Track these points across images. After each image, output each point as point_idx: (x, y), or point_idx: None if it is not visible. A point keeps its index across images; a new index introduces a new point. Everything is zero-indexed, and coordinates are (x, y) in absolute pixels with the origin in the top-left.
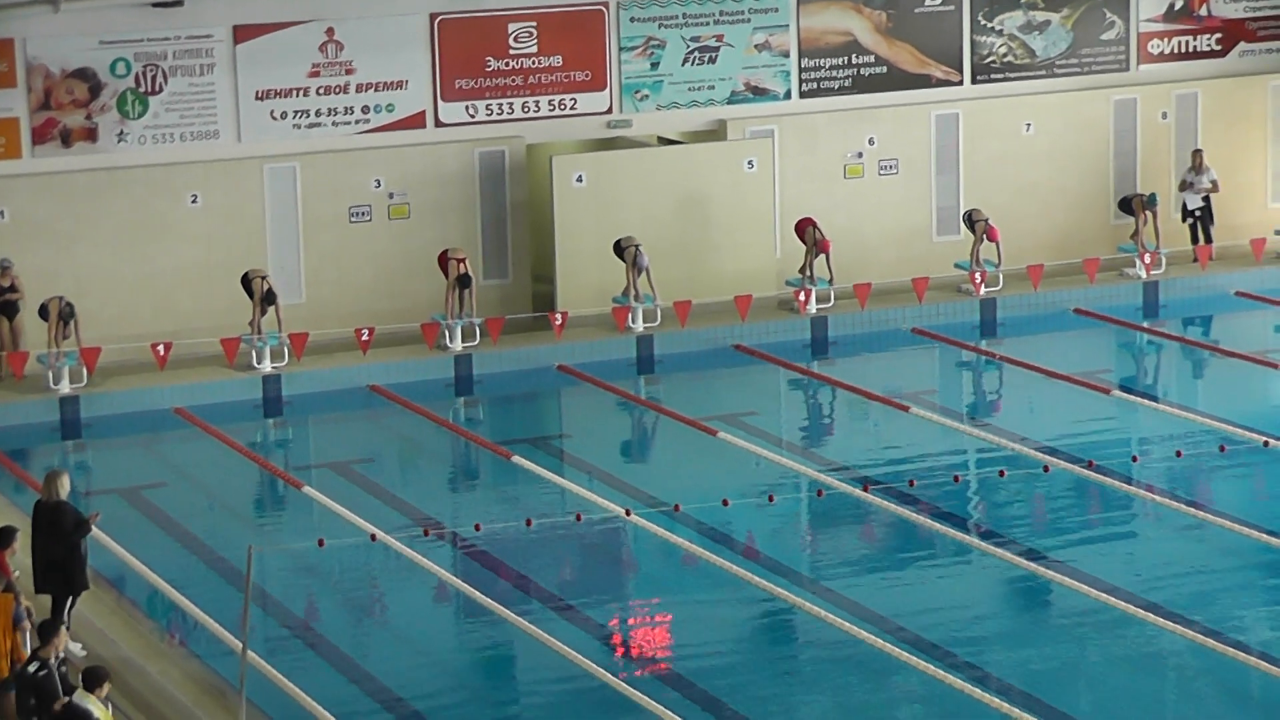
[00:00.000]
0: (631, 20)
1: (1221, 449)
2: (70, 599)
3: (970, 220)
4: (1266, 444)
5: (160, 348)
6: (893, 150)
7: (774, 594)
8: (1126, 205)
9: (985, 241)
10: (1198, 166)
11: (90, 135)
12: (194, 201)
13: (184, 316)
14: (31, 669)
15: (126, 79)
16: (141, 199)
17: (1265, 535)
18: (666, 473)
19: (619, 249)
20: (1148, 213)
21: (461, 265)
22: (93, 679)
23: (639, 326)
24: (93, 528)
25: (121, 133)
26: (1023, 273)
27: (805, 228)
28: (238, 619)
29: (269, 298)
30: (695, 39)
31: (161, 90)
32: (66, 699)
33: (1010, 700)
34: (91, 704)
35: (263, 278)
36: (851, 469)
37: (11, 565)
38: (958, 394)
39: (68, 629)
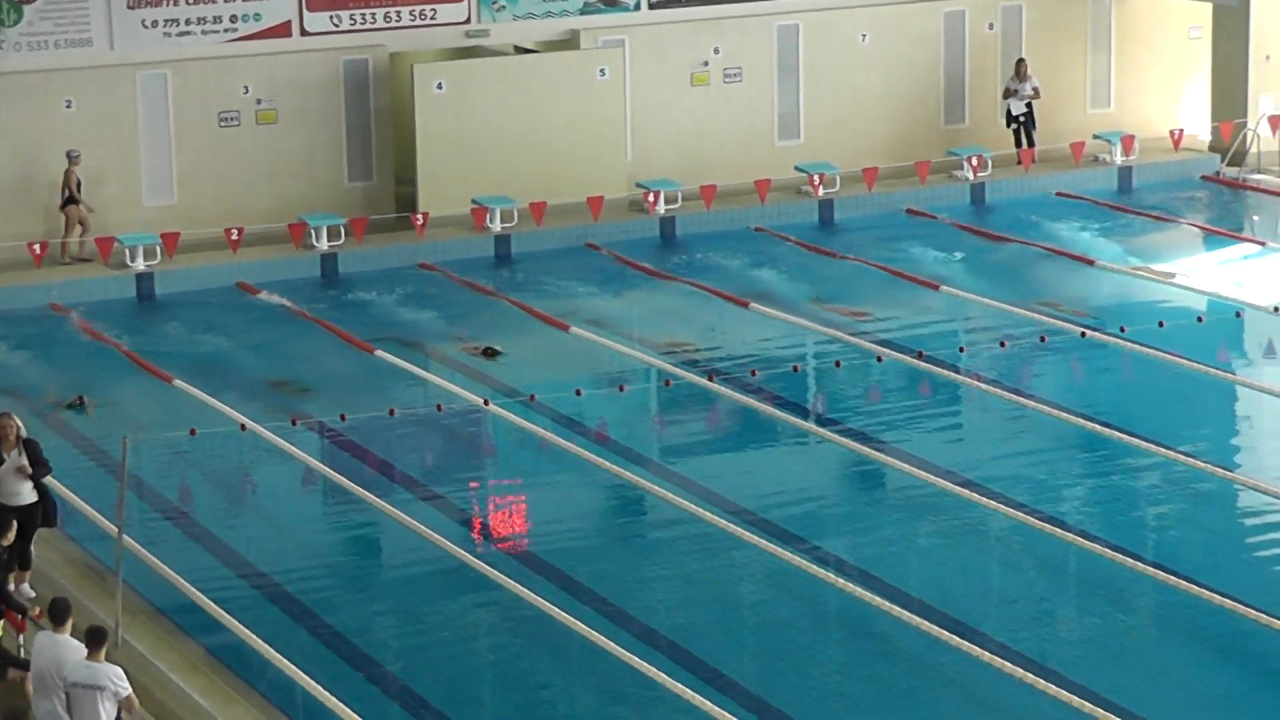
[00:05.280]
0: None
1: (1042, 339)
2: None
3: None
4: (1083, 334)
5: (36, 247)
6: (737, 59)
7: (624, 478)
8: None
9: None
10: (1021, 75)
11: None
12: (68, 106)
13: (59, 218)
14: None
15: None
16: (18, 104)
17: (1081, 419)
18: (523, 365)
19: None
20: None
21: None
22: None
23: (497, 226)
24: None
25: None
26: (858, 175)
27: None
28: (114, 505)
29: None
30: None
31: None
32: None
33: (846, 576)
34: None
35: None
36: (698, 360)
37: None
38: (797, 289)
39: None
